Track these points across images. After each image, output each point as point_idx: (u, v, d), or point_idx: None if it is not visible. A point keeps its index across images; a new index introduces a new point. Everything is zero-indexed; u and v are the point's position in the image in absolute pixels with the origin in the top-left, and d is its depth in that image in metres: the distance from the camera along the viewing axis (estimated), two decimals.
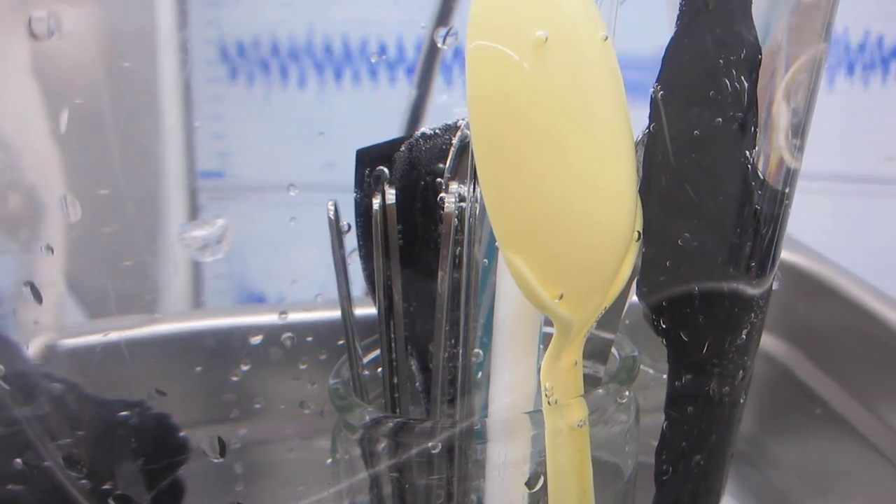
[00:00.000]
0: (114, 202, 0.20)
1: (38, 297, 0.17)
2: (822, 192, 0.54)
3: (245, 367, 0.23)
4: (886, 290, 0.33)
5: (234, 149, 0.26)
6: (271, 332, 0.23)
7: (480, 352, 0.19)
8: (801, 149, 0.20)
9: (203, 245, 0.21)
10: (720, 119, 0.17)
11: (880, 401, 0.32)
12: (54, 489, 0.17)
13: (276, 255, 0.25)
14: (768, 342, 0.37)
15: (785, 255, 0.36)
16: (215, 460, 0.19)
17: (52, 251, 0.17)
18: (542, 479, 0.18)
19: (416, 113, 0.23)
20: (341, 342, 0.22)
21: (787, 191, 0.20)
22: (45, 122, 0.20)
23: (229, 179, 0.27)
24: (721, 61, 0.17)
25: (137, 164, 0.21)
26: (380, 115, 0.26)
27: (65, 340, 0.22)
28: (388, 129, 0.24)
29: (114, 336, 0.22)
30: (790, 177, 0.19)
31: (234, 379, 0.24)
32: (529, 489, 0.18)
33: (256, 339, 0.23)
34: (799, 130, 0.20)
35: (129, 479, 0.21)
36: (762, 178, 0.19)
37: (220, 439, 0.18)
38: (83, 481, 0.17)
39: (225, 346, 0.24)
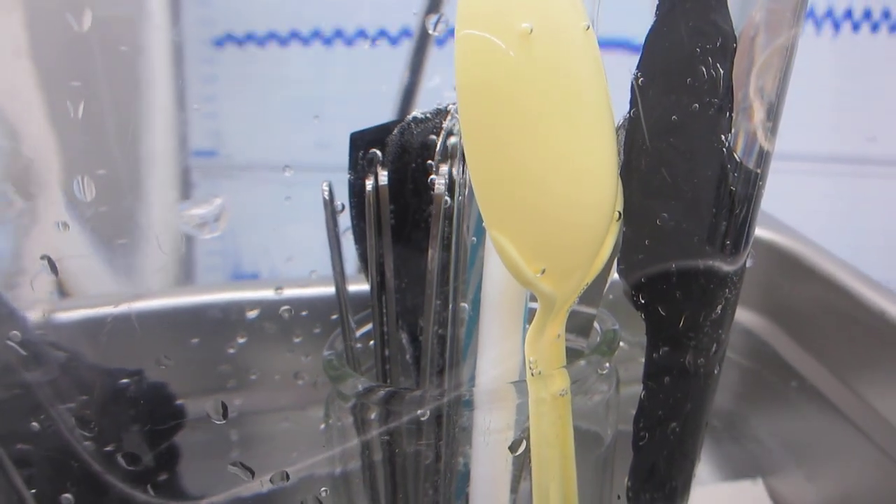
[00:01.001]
0: (111, 182, 0.21)
1: (54, 270, 0.18)
2: (808, 172, 0.54)
3: (241, 340, 0.24)
4: (870, 270, 0.34)
5: (227, 128, 0.27)
6: (267, 307, 0.24)
7: (466, 306, 0.20)
8: (773, 131, 0.21)
9: (201, 223, 0.21)
10: (697, 105, 0.18)
11: (854, 375, 0.33)
12: (63, 448, 0.18)
13: (269, 233, 0.25)
14: (749, 318, 0.38)
15: (766, 234, 0.37)
16: (218, 422, 0.19)
17: (68, 227, 0.18)
18: (525, 444, 0.19)
19: (408, 96, 0.23)
20: (335, 317, 0.23)
21: (760, 171, 0.20)
22: (44, 104, 0.20)
23: (223, 159, 0.27)
24: (698, 50, 0.18)
25: (131, 144, 0.22)
26: (372, 97, 0.26)
27: (65, 313, 0.23)
28: (381, 110, 0.24)
29: (115, 309, 0.23)
30: (763, 158, 0.20)
31: (231, 351, 0.25)
32: (513, 453, 0.19)
33: (253, 314, 0.24)
34: (772, 113, 0.20)
35: (132, 443, 0.22)
36: (737, 160, 0.20)
37: (223, 403, 0.19)
38: (88, 442, 0.18)
39: (222, 319, 0.25)
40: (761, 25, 0.20)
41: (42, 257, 0.18)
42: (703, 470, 0.38)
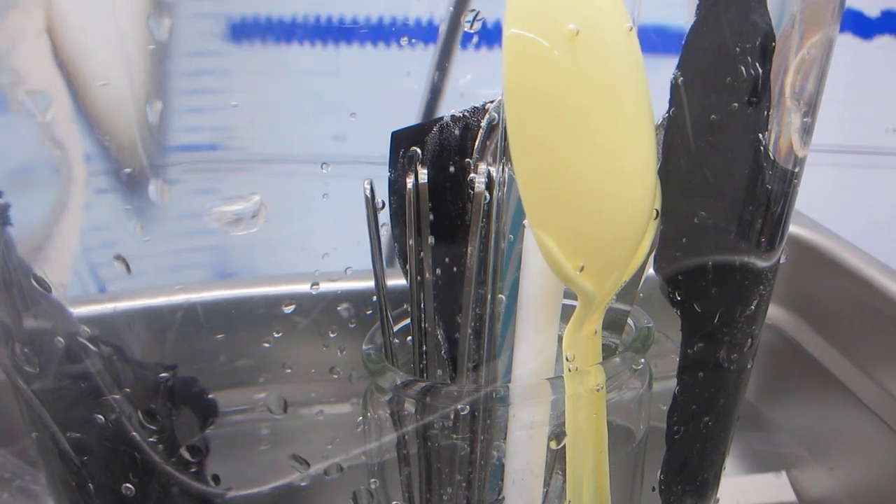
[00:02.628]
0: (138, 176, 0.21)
1: (128, 269, 0.19)
2: (825, 163, 0.55)
3: (277, 335, 0.24)
4: (887, 261, 0.35)
5: (239, 120, 0.27)
6: (303, 302, 0.24)
7: (503, 297, 0.20)
8: (810, 130, 0.21)
9: (236, 219, 0.22)
10: (736, 104, 0.18)
11: (879, 368, 0.33)
12: (118, 438, 0.19)
13: (297, 228, 0.26)
14: (773, 312, 0.39)
15: (791, 228, 0.37)
16: (278, 416, 0.20)
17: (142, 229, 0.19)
18: (562, 438, 0.19)
19: (435, 94, 0.23)
20: (369, 312, 0.23)
21: (796, 170, 0.21)
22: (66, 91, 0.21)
23: (234, 152, 0.28)
24: (738, 49, 0.18)
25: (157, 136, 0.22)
26: (397, 93, 0.26)
27: (105, 305, 0.23)
28: (408, 108, 0.25)
29: (149, 302, 0.23)
30: (798, 158, 0.21)
31: (266, 345, 0.25)
32: (556, 446, 0.20)
33: (289, 308, 0.24)
34: (809, 111, 0.21)
35: (170, 435, 0.22)
36: (773, 158, 0.20)
37: (284, 399, 0.20)
38: (153, 438, 0.19)
39: (259, 314, 0.25)
40: (799, 21, 0.20)
41: (116, 257, 0.18)
42: (728, 462, 0.38)
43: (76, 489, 0.19)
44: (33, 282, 0.18)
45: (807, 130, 0.20)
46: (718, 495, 0.27)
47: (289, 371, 0.25)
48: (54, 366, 0.18)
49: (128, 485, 0.18)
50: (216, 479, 0.22)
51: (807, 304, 0.37)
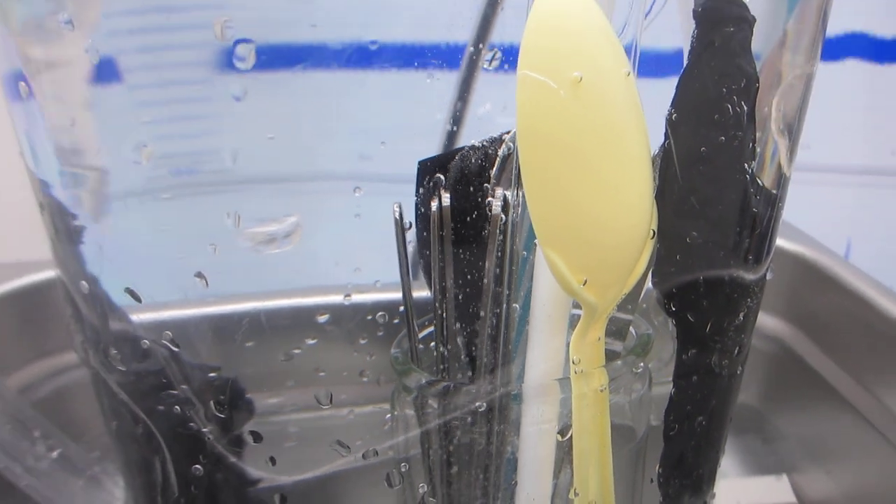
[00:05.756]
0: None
1: (206, 283, 0.21)
2: (839, 184, 0.56)
3: (311, 342, 0.27)
4: (885, 277, 0.36)
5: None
6: (335, 311, 0.27)
7: (517, 307, 0.22)
8: (793, 155, 0.23)
9: (269, 239, 0.24)
10: (723, 138, 0.20)
11: (873, 379, 0.35)
12: (185, 424, 0.21)
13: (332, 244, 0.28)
14: (775, 325, 0.40)
15: (791, 245, 0.39)
16: (325, 407, 0.22)
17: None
18: (569, 432, 0.22)
19: (457, 123, 0.26)
20: (396, 321, 0.25)
21: (780, 193, 0.23)
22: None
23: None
24: (724, 90, 0.20)
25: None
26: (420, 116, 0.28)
27: (149, 313, 0.26)
28: (429, 133, 0.27)
29: (192, 311, 0.26)
30: (783, 181, 0.23)
31: (297, 351, 0.27)
32: (562, 438, 0.22)
33: (324, 318, 0.27)
34: (792, 138, 0.23)
35: (218, 429, 0.25)
36: (759, 184, 0.22)
37: (330, 393, 0.22)
38: (210, 427, 0.21)
39: (293, 322, 0.28)
40: (782, 60, 0.22)
41: (196, 275, 0.21)
42: (732, 465, 0.40)
43: (151, 471, 0.21)
44: (125, 292, 0.21)
45: (790, 155, 0.23)
46: (716, 490, 0.29)
47: (322, 374, 0.27)
48: (135, 363, 0.21)
49: (197, 466, 0.21)
50: (272, 460, 0.24)
51: (807, 318, 0.39)
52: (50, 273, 0.31)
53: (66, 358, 0.36)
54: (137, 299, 0.21)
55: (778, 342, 0.40)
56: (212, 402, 0.25)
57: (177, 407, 0.21)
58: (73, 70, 0.22)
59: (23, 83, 0.22)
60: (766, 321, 0.40)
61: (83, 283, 0.22)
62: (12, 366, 0.35)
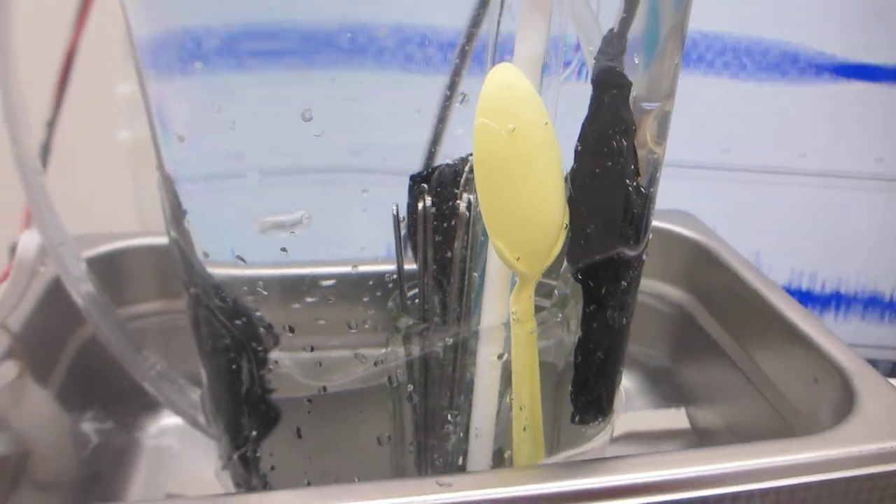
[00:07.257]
0: None
1: (244, 261, 0.30)
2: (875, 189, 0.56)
3: (331, 300, 0.35)
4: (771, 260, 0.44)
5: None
6: (342, 278, 0.35)
7: (476, 275, 0.29)
8: (660, 164, 0.32)
9: (277, 226, 0.32)
10: (610, 163, 0.27)
11: (747, 338, 0.41)
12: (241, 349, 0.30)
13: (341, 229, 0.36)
14: (678, 295, 0.48)
15: (690, 234, 0.48)
16: (352, 331, 0.32)
17: None
18: (507, 357, 0.31)
19: (435, 143, 0.35)
20: (391, 285, 0.31)
21: (652, 191, 0.32)
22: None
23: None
24: (611, 131, 0.26)
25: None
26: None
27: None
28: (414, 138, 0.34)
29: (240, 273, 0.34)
30: (653, 186, 0.32)
31: (329, 301, 0.34)
32: (500, 360, 0.31)
33: (330, 282, 0.35)
34: (658, 159, 0.32)
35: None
36: (641, 191, 0.32)
37: (356, 322, 0.31)
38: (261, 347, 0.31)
39: (311, 286, 0.36)
40: (647, 104, 0.32)
41: (237, 256, 0.30)
42: (645, 404, 0.48)
43: (232, 373, 0.30)
44: (235, 257, 0.30)
45: (657, 164, 0.32)
46: (628, 423, 0.38)
47: (340, 321, 0.36)
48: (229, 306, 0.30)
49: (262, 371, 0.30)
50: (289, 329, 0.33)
51: (702, 290, 0.46)
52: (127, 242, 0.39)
53: (140, 308, 0.45)
54: (244, 261, 0.30)
55: (680, 308, 0.47)
56: (260, 329, 0.34)
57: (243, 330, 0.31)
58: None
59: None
60: (671, 292, 0.48)
61: (204, 251, 0.31)
62: None
